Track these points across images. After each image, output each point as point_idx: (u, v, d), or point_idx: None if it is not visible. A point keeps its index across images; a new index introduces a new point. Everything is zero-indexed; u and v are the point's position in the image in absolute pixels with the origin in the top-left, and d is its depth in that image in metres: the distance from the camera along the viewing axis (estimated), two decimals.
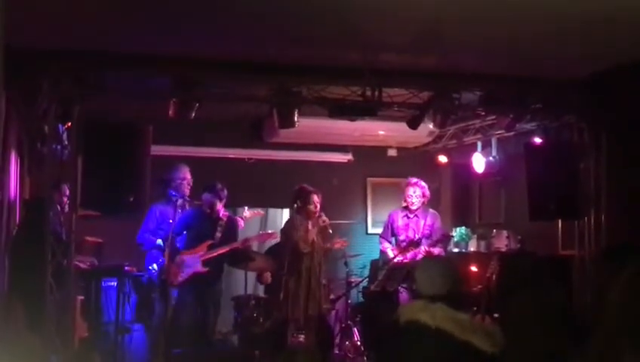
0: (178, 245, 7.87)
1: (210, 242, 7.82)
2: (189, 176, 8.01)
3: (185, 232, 7.96)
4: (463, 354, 3.66)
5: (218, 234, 7.90)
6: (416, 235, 8.62)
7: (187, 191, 7.97)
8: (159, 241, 7.89)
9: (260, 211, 8.58)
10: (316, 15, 5.33)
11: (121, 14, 5.40)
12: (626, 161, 7.04)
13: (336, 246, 8.42)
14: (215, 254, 7.81)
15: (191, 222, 7.92)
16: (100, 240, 8.12)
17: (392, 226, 8.79)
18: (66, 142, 6.61)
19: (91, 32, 5.82)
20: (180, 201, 7.73)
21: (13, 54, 3.03)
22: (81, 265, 7.38)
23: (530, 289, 4.43)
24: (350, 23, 5.56)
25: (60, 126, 6.58)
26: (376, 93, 7.04)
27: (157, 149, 7.05)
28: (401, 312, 3.91)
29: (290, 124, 7.18)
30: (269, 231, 8.63)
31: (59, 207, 6.71)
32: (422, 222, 8.65)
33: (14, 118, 6.22)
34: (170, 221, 7.79)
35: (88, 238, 7.94)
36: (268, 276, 8.21)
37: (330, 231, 8.18)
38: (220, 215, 7.97)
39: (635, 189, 6.95)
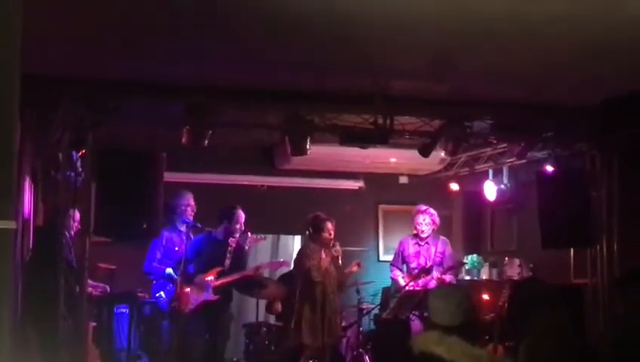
0: (190, 271, 7.84)
1: (219, 269, 7.79)
2: (192, 202, 7.99)
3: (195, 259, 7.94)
4: None
5: (227, 261, 7.87)
6: (428, 262, 8.61)
7: (191, 218, 7.97)
8: (168, 270, 7.86)
9: (262, 237, 8.52)
10: (328, 43, 5.37)
11: (135, 42, 5.46)
12: (638, 188, 7.03)
13: (353, 269, 8.39)
14: (226, 281, 7.80)
15: (201, 248, 7.88)
16: (112, 267, 8.16)
17: (403, 254, 8.78)
18: (80, 169, 6.65)
19: (105, 59, 5.88)
20: (186, 228, 7.76)
21: (26, 81, 3.07)
22: (94, 292, 7.41)
23: (542, 317, 4.42)
24: (362, 52, 5.60)
25: (73, 153, 6.63)
26: (388, 120, 7.06)
27: (169, 176, 7.08)
28: (415, 343, 3.86)
29: (303, 151, 7.22)
30: (281, 260, 8.60)
31: (70, 233, 6.74)
32: (433, 250, 8.65)
33: (28, 144, 6.27)
34: (177, 249, 7.81)
35: (101, 264, 7.98)
36: (278, 306, 8.18)
37: (340, 261, 8.14)
38: (229, 241, 7.94)
39: None
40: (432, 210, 8.70)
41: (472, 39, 5.25)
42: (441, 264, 8.60)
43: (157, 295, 7.83)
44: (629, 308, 4.81)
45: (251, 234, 8.29)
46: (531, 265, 9.02)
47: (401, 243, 8.86)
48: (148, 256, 7.94)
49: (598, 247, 7.45)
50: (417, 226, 8.68)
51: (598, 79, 6.24)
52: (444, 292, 4.24)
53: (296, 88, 6.65)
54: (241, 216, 7.89)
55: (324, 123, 7.14)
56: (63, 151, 6.49)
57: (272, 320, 8.71)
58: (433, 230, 8.69)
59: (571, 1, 4.48)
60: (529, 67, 5.91)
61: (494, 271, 9.54)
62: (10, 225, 2.86)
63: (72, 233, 6.82)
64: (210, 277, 7.71)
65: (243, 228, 7.98)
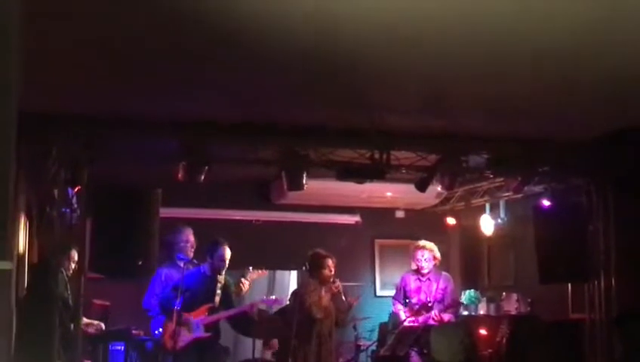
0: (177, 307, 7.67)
1: (210, 305, 7.68)
2: (192, 238, 7.94)
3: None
4: None
5: (217, 298, 7.78)
6: (429, 298, 8.54)
7: (191, 254, 7.89)
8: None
9: (264, 271, 8.45)
10: (324, 79, 5.38)
11: (131, 80, 5.47)
12: (635, 223, 7.02)
13: (352, 302, 8.33)
14: (219, 318, 7.72)
15: (190, 283, 7.72)
16: (107, 303, 8.08)
17: (405, 289, 8.72)
18: (75, 206, 6.62)
19: (100, 97, 5.88)
20: (184, 264, 7.67)
21: (21, 119, 3.06)
22: (89, 329, 7.34)
23: (540, 354, 4.41)
24: (359, 88, 5.62)
25: (69, 190, 6.60)
26: (384, 155, 7.07)
27: (165, 211, 7.04)
28: None
29: (299, 186, 7.21)
30: (274, 298, 8.48)
31: (66, 272, 6.69)
32: (434, 286, 8.57)
33: (23, 180, 6.25)
34: (174, 284, 7.73)
35: (96, 301, 7.90)
36: (275, 343, 8.11)
37: (344, 297, 8.09)
38: (218, 276, 7.82)
39: None
40: (432, 246, 8.64)
41: (467, 76, 5.27)
42: (442, 300, 8.52)
43: (156, 332, 7.74)
44: (628, 349, 4.80)
45: (252, 268, 8.21)
46: (529, 300, 8.98)
47: (402, 279, 8.80)
48: (147, 292, 7.87)
49: (596, 282, 7.42)
50: (417, 262, 8.61)
51: (593, 115, 6.26)
52: (446, 330, 4.22)
53: (292, 124, 6.66)
54: (225, 251, 7.77)
55: (320, 158, 7.15)
56: (59, 187, 6.46)
57: (269, 356, 8.63)
58: (434, 265, 8.63)
59: (568, 40, 4.50)
60: (525, 103, 5.92)
61: (492, 306, 9.48)
62: (6, 265, 2.84)
63: (70, 272, 6.76)
64: (201, 315, 7.61)
65: (227, 264, 7.87)
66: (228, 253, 7.76)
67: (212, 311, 7.70)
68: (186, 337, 7.48)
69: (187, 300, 7.59)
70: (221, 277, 7.82)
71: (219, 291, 7.78)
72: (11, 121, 2.88)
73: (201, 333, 7.60)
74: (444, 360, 3.76)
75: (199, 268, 7.83)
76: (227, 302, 7.85)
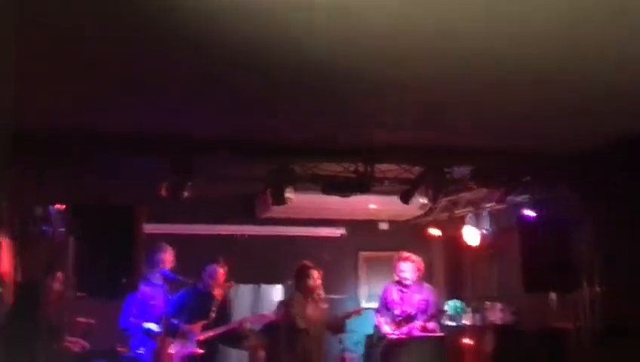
0: (175, 326, 7.71)
1: (204, 322, 7.71)
2: (170, 256, 7.93)
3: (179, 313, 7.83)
4: None
5: (212, 314, 7.79)
6: (411, 310, 8.56)
7: (169, 271, 7.89)
8: (147, 325, 7.74)
9: (232, 283, 8.41)
10: (307, 95, 5.37)
11: (112, 97, 5.43)
12: (618, 232, 7.06)
13: (353, 313, 8.35)
14: (211, 335, 7.71)
15: (185, 302, 7.81)
16: (90, 321, 8.00)
17: (387, 300, 8.73)
18: (59, 224, 6.55)
19: (82, 113, 5.85)
20: (162, 281, 7.69)
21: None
22: (73, 348, 7.26)
23: None
24: (341, 103, 5.61)
25: (51, 208, 6.53)
26: (369, 169, 7.08)
27: (149, 228, 6.99)
28: None
29: (283, 201, 7.22)
30: (265, 313, 8.50)
31: (52, 292, 6.62)
32: (417, 297, 8.60)
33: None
34: (153, 302, 7.72)
35: (79, 319, 7.82)
36: (262, 357, 8.09)
37: (327, 305, 8.11)
38: (215, 293, 7.87)
39: (628, 261, 6.96)
40: (415, 257, 8.67)
41: (451, 90, 5.28)
42: (425, 311, 8.55)
43: (138, 351, 7.70)
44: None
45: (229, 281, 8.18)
46: (513, 310, 9.00)
47: (385, 290, 8.82)
48: (123, 312, 7.80)
49: (581, 292, 7.44)
50: (400, 274, 8.65)
51: (575, 128, 6.29)
52: (430, 344, 4.23)
53: (277, 140, 6.65)
54: (220, 270, 7.84)
55: (305, 173, 7.15)
56: (41, 205, 6.40)
57: None
58: (417, 277, 8.65)
59: (552, 57, 4.52)
60: (509, 118, 5.95)
61: (477, 316, 9.49)
62: None
63: (55, 292, 6.68)
64: (195, 332, 7.63)
65: (217, 283, 7.90)
66: (220, 272, 7.81)
67: (206, 327, 7.70)
68: (179, 354, 7.51)
69: (183, 319, 7.65)
70: (219, 293, 7.84)
71: (214, 308, 7.78)
72: (7, 144, 2.85)
73: (195, 349, 7.60)
74: None
75: (195, 287, 7.88)
76: (223, 318, 7.87)
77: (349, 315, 8.33)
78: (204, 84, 5.16)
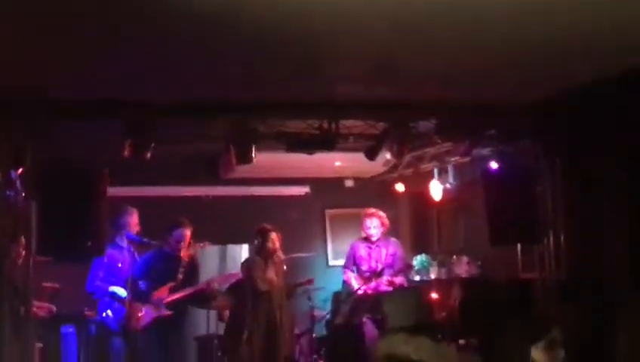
0: (143, 288, 7.71)
1: (172, 284, 7.72)
2: (136, 219, 7.94)
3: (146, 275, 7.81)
4: None
5: (180, 276, 7.78)
6: (379, 265, 8.62)
7: (135, 234, 7.85)
8: (112, 288, 7.72)
9: (205, 243, 8.39)
10: (271, 51, 5.31)
11: (71, 59, 5.32)
12: (581, 183, 7.12)
13: (303, 282, 8.40)
14: (179, 296, 7.71)
15: (152, 264, 7.80)
16: (56, 286, 7.95)
17: (355, 256, 8.79)
18: (20, 189, 6.46)
19: (41, 77, 5.72)
20: (128, 243, 7.67)
21: None
22: (39, 312, 7.21)
23: (492, 314, 4.47)
24: (304, 58, 5.54)
25: (12, 172, 6.43)
26: (333, 125, 7.04)
27: (113, 191, 6.93)
28: (379, 347, 3.89)
29: (248, 160, 7.16)
30: (232, 273, 8.54)
31: (14, 256, 6.54)
32: (384, 252, 8.67)
33: None
34: (120, 265, 7.71)
35: (45, 284, 7.76)
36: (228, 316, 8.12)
37: (285, 267, 8.12)
38: (182, 254, 7.85)
39: (590, 210, 7.03)
40: (380, 213, 8.73)
41: (412, 43, 5.24)
42: (392, 266, 8.62)
43: (104, 314, 7.69)
44: (580, 318, 4.89)
45: (194, 242, 8.16)
46: (479, 263, 9.10)
47: (352, 247, 8.88)
48: (90, 276, 7.80)
49: (545, 242, 7.51)
50: (366, 230, 8.71)
51: (537, 77, 6.29)
52: (398, 295, 4.26)
53: (238, 98, 6.57)
54: (187, 231, 7.82)
55: (269, 131, 7.09)
56: (2, 170, 6.29)
57: (222, 329, 8.61)
58: (383, 232, 8.71)
59: (509, 3, 4.50)
60: (470, 68, 5.92)
61: (443, 270, 9.58)
62: None
63: (19, 258, 6.61)
64: (162, 294, 7.63)
65: (184, 245, 7.89)
66: (186, 235, 7.80)
67: (174, 289, 7.69)
68: (147, 316, 7.52)
69: (150, 281, 7.66)
70: (185, 255, 7.82)
71: (182, 269, 7.75)
72: None
73: (163, 312, 7.59)
74: (399, 325, 3.79)
75: (161, 249, 7.89)
76: (191, 279, 7.87)
77: (299, 284, 8.35)
78: (161, 46, 5.07)
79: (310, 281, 8.51)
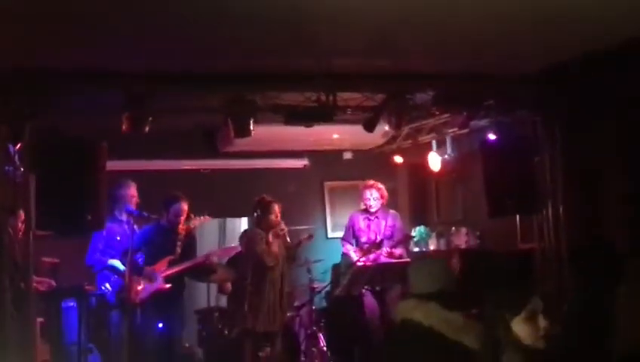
0: (139, 262, 7.73)
1: (170, 258, 7.72)
2: (135, 192, 7.90)
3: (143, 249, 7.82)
4: (453, 355, 3.66)
5: (178, 250, 7.79)
6: (378, 237, 8.64)
7: (134, 207, 7.84)
8: (111, 261, 7.74)
9: (207, 217, 8.38)
10: (267, 24, 5.28)
11: (69, 31, 5.30)
12: (579, 153, 7.13)
13: (303, 239, 8.31)
14: (177, 270, 7.72)
15: (150, 238, 7.78)
16: (56, 260, 7.96)
17: (354, 228, 8.81)
18: (18, 163, 6.44)
19: (39, 49, 5.69)
20: (127, 217, 7.67)
21: None
22: (40, 287, 7.23)
23: (492, 284, 4.48)
24: (301, 30, 5.52)
25: (10, 146, 6.42)
26: (331, 97, 7.02)
27: (111, 164, 6.92)
28: (398, 311, 3.92)
29: (246, 133, 7.13)
30: (232, 246, 8.54)
31: (14, 231, 6.54)
32: (383, 223, 8.69)
33: None
34: (119, 238, 7.72)
35: (44, 259, 7.78)
36: (229, 285, 8.12)
37: (288, 239, 8.06)
38: (179, 228, 7.86)
39: (588, 181, 7.05)
40: (379, 185, 8.74)
41: (410, 14, 5.21)
42: (391, 237, 8.65)
43: (102, 287, 7.72)
44: (582, 284, 4.90)
45: (194, 216, 8.14)
46: (478, 233, 9.12)
47: (351, 218, 8.89)
48: (90, 249, 7.80)
49: (544, 212, 7.52)
50: (365, 201, 8.72)
51: (535, 47, 6.27)
52: (424, 264, 4.29)
53: (236, 70, 6.55)
54: (181, 207, 7.81)
55: (266, 103, 7.06)
56: (0, 144, 6.28)
57: (223, 303, 8.65)
58: (382, 204, 8.73)
59: None
60: (467, 39, 5.89)
61: (442, 241, 9.61)
62: None
63: (19, 233, 6.61)
64: (161, 268, 7.65)
65: (186, 217, 7.89)
66: (184, 209, 7.78)
67: (173, 263, 7.71)
68: (145, 289, 7.53)
69: (148, 255, 7.66)
70: (183, 228, 7.82)
71: (179, 243, 7.77)
72: None
73: (161, 285, 7.61)
74: (424, 291, 3.80)
75: (158, 223, 7.87)
76: (189, 253, 7.88)
77: (299, 243, 8.24)
78: (159, 19, 5.05)
79: (310, 237, 8.41)
